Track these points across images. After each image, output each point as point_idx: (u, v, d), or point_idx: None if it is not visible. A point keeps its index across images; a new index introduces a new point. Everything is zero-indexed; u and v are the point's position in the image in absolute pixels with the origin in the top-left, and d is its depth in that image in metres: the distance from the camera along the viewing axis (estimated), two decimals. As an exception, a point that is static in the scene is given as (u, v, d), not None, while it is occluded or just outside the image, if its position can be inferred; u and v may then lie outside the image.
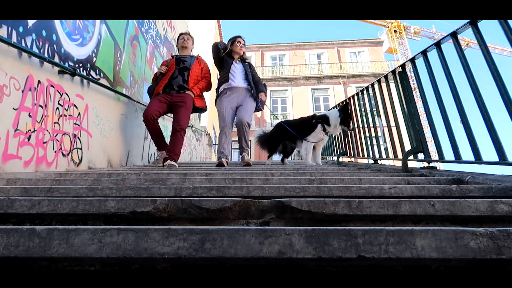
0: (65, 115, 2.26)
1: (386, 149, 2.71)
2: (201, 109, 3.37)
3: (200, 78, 3.27)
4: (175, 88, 3.12)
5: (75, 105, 2.38)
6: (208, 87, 3.34)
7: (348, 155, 3.72)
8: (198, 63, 3.30)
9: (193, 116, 7.66)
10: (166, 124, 4.63)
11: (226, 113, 3.14)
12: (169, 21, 5.29)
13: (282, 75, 17.04)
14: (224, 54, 3.34)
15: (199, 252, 0.55)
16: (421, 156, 2.09)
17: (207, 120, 9.27)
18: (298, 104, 16.14)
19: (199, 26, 9.52)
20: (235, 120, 3.19)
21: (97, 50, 2.78)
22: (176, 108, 3.05)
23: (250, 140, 3.44)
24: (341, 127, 3.31)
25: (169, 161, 2.78)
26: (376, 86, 2.89)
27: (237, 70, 3.29)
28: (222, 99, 3.20)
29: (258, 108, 3.29)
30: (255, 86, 3.28)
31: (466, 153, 1.66)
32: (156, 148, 3.27)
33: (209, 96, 9.80)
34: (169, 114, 3.33)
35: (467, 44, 20.78)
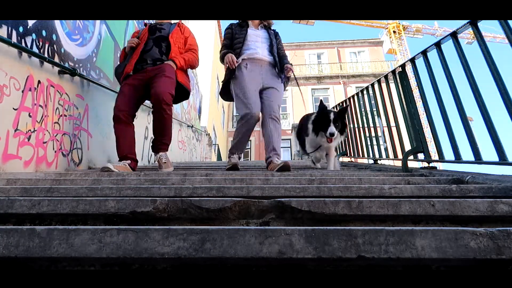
0: (65, 115, 2.26)
1: (386, 149, 2.71)
2: (184, 91, 2.42)
3: (183, 51, 2.44)
4: (149, 62, 2.29)
5: (75, 105, 2.38)
6: (195, 62, 2.48)
7: (348, 155, 3.72)
8: (180, 31, 2.46)
9: (193, 115, 7.58)
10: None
11: (251, 94, 2.26)
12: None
13: (282, 75, 17.04)
14: (235, 26, 2.50)
15: (199, 252, 0.55)
16: (421, 156, 2.09)
17: (207, 120, 9.26)
18: (298, 104, 16.14)
19: (199, 26, 9.52)
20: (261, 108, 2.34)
21: (97, 50, 2.78)
22: (153, 80, 2.22)
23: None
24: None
25: (161, 152, 2.24)
26: (376, 86, 2.89)
27: (258, 38, 2.44)
28: (243, 74, 2.32)
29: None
30: (280, 62, 2.47)
31: (466, 153, 1.67)
32: (118, 152, 2.24)
33: (208, 90, 9.71)
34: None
35: (473, 37, 20.70)
